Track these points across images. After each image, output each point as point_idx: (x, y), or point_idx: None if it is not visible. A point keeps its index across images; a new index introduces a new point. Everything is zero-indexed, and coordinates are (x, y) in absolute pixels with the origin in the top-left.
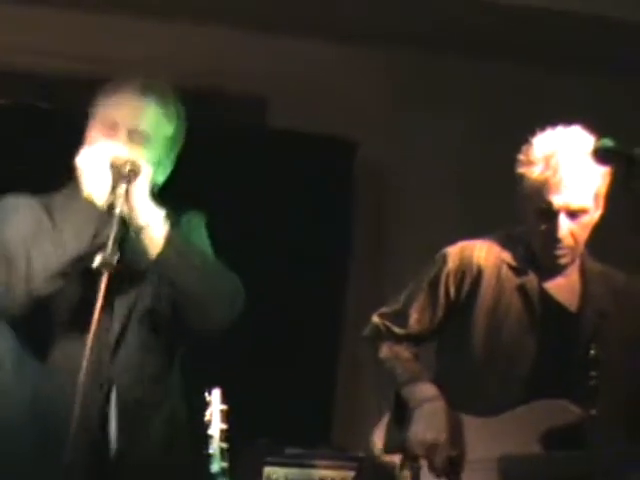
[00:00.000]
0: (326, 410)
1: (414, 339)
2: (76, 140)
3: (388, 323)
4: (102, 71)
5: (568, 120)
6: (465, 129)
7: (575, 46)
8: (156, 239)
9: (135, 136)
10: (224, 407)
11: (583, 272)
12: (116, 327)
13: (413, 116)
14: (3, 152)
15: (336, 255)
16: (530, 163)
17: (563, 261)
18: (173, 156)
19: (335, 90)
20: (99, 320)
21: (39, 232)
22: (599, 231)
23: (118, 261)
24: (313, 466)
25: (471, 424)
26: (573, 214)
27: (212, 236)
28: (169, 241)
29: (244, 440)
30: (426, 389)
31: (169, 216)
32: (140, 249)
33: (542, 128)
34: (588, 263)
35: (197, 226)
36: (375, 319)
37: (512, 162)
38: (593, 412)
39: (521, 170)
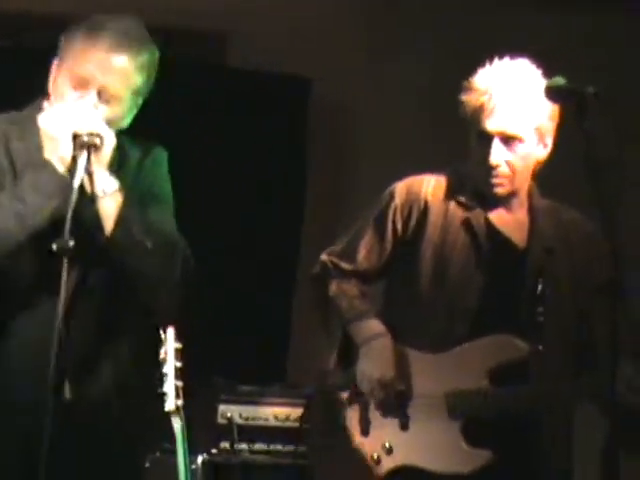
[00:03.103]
0: (280, 348)
1: (362, 276)
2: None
3: (336, 260)
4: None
5: (524, 53)
6: (431, 67)
7: None
8: (109, 212)
9: (104, 94)
10: (178, 345)
11: (531, 208)
12: (66, 299)
13: (377, 55)
14: None
15: (290, 191)
16: (471, 89)
17: (500, 190)
18: (142, 100)
19: (299, 29)
20: (66, 308)
21: None
22: (555, 172)
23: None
24: (267, 403)
25: (418, 360)
26: (508, 142)
27: (172, 171)
28: (121, 220)
29: (199, 378)
30: (373, 326)
31: (134, 155)
32: (94, 223)
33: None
34: (536, 200)
35: (159, 164)
36: (323, 257)
37: None
38: (539, 348)
39: (463, 96)
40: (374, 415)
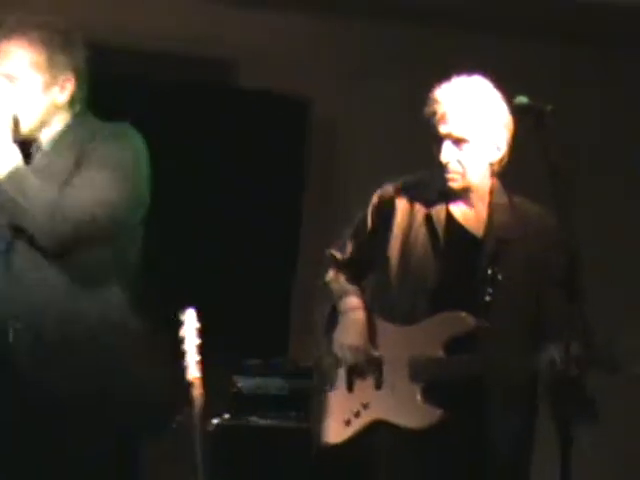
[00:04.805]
0: (283, 326)
1: (351, 265)
2: None
3: (333, 252)
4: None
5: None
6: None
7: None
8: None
9: (7, 77)
10: (197, 325)
11: (490, 203)
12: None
13: (364, 77)
14: None
15: (290, 196)
16: (430, 100)
17: (453, 184)
18: (51, 96)
19: (297, 56)
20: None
21: None
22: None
23: None
24: (273, 375)
25: (389, 331)
26: (457, 143)
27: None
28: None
29: (212, 353)
30: (351, 301)
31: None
32: None
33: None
34: (497, 196)
35: (116, 136)
36: (328, 250)
37: None
38: (485, 323)
39: (424, 107)
40: (355, 377)
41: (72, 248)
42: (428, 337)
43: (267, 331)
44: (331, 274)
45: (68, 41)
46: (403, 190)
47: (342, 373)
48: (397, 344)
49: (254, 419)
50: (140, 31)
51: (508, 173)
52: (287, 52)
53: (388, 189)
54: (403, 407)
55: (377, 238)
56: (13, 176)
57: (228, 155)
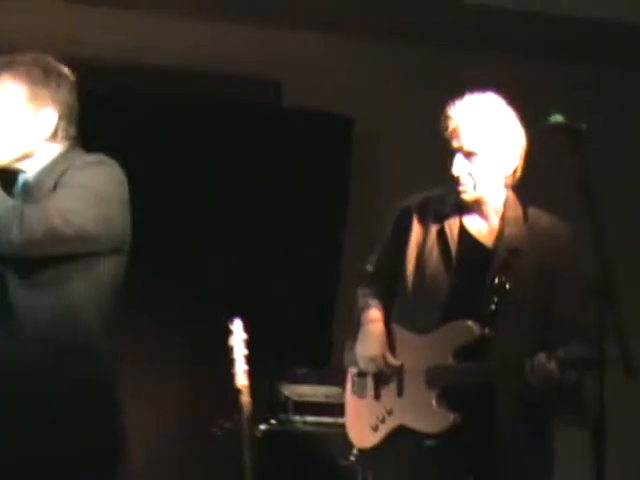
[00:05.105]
0: (328, 335)
1: (378, 278)
2: None
3: (366, 265)
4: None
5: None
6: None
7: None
8: None
9: None
10: (245, 336)
11: (503, 216)
12: None
13: (403, 96)
14: None
15: (335, 208)
16: (444, 116)
17: (466, 197)
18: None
19: (338, 76)
20: None
21: None
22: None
23: None
24: (316, 383)
25: (409, 340)
26: (468, 156)
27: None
28: None
29: (261, 362)
30: (370, 314)
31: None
32: None
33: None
34: (510, 208)
35: (88, 164)
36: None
37: None
38: (490, 332)
39: (440, 124)
40: (380, 384)
41: (30, 255)
42: (440, 345)
43: (313, 340)
44: (361, 288)
45: (51, 76)
46: (420, 204)
47: (370, 381)
48: (415, 352)
49: (300, 425)
50: (193, 53)
51: (539, 187)
52: (330, 72)
53: (407, 203)
54: (420, 412)
55: (398, 251)
56: None
57: (275, 171)
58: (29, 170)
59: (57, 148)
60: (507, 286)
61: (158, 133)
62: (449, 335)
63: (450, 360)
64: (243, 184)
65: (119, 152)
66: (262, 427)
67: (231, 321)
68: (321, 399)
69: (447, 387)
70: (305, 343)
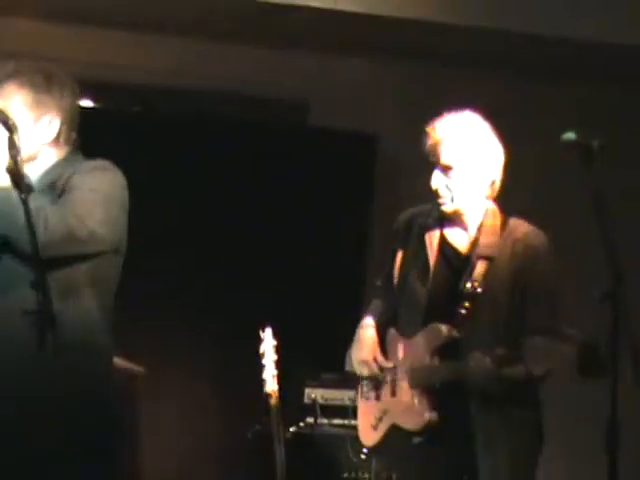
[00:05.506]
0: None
1: (383, 290)
2: None
3: (376, 280)
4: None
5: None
6: None
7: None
8: None
9: None
10: (274, 342)
11: (480, 226)
12: None
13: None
14: None
15: (359, 222)
16: (424, 135)
17: (445, 208)
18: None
19: (362, 97)
20: None
21: None
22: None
23: None
24: (342, 387)
25: (398, 343)
26: (444, 170)
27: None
28: None
29: (289, 367)
30: (365, 320)
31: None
32: None
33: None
34: (488, 217)
35: (93, 168)
36: None
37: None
38: (459, 334)
39: (422, 141)
40: (379, 386)
41: (48, 256)
42: (419, 347)
43: (339, 346)
44: (373, 300)
45: (54, 84)
46: (407, 219)
47: (370, 384)
48: (402, 355)
49: (326, 427)
50: (223, 75)
51: (555, 201)
52: (355, 92)
53: (400, 218)
54: (405, 411)
55: (394, 264)
56: (0, 191)
57: (304, 187)
58: (31, 173)
59: (59, 153)
60: (478, 291)
61: (189, 154)
62: (426, 338)
63: (427, 361)
64: (272, 201)
65: (156, 171)
66: (291, 429)
67: (262, 329)
68: (346, 402)
69: (426, 386)
70: (332, 349)
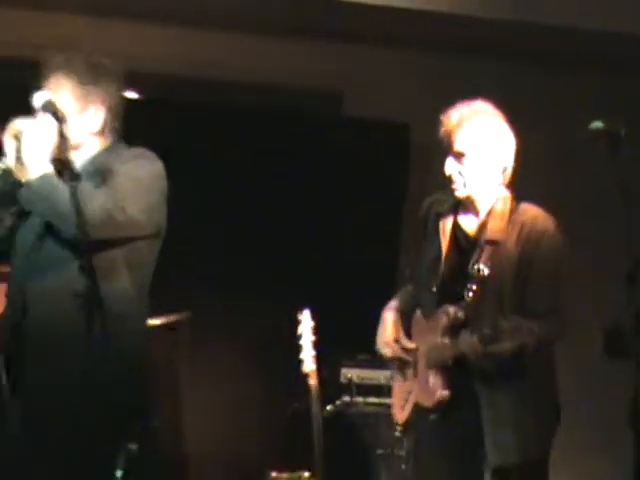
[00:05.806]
0: None
1: (411, 274)
2: None
3: (407, 267)
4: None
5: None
6: None
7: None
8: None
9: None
10: (312, 324)
11: (490, 211)
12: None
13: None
14: None
15: (393, 209)
16: (440, 123)
17: (457, 194)
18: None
19: (394, 87)
20: None
21: None
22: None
23: None
24: (377, 367)
25: (419, 324)
26: (457, 157)
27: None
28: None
29: (326, 348)
30: (390, 303)
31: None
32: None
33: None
34: (499, 203)
35: (133, 155)
36: None
37: (530, 143)
38: (464, 315)
39: (439, 128)
40: (406, 367)
41: (88, 238)
42: (433, 329)
43: (374, 328)
44: (405, 286)
45: (101, 75)
46: (426, 207)
47: (399, 365)
48: (422, 335)
49: (361, 406)
50: (257, 66)
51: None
52: (389, 82)
53: (423, 205)
54: (422, 390)
55: (419, 250)
56: (44, 177)
57: (339, 176)
58: (77, 160)
59: (103, 142)
60: (484, 274)
61: (222, 144)
62: (438, 319)
63: (439, 341)
64: (308, 190)
65: (192, 163)
66: (328, 407)
67: (301, 311)
68: (381, 381)
69: (440, 366)
70: (367, 331)
